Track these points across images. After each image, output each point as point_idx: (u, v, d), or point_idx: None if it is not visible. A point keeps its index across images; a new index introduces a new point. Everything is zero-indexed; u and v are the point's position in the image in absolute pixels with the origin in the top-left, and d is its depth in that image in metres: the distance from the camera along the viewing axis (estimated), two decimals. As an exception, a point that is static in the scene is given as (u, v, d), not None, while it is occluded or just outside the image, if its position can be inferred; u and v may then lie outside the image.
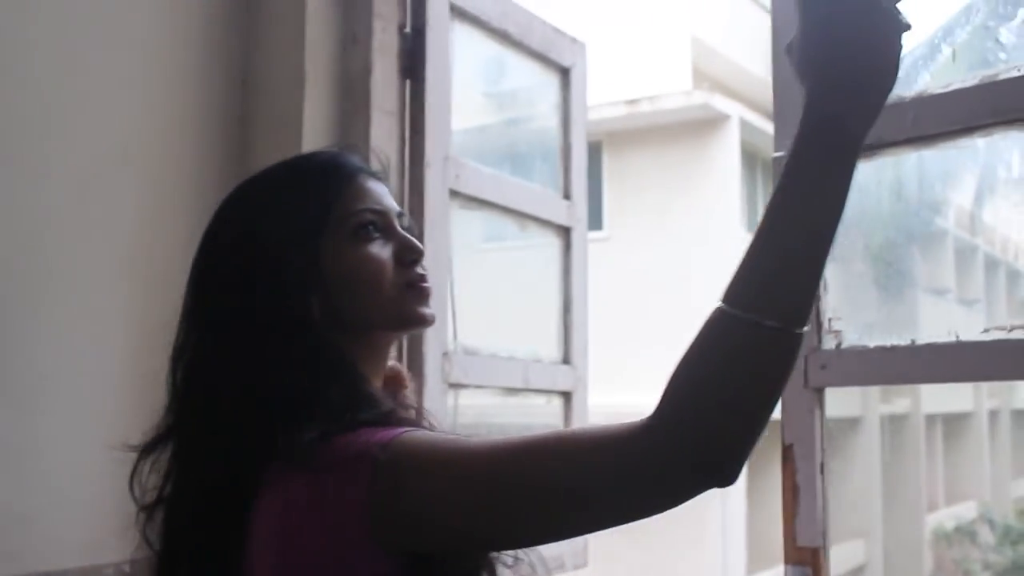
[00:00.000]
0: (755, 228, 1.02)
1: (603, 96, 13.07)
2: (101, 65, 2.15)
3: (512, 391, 2.67)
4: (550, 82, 2.88)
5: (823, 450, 2.04)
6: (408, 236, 1.32)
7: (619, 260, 13.39)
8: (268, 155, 2.27)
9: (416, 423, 1.23)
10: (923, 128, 1.90)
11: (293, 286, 1.23)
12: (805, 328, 0.99)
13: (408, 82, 2.41)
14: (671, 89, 13.57)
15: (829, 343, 2.01)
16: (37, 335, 1.99)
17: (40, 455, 1.95)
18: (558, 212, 2.83)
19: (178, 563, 1.25)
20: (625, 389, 12.54)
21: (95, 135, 2.11)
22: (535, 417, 2.77)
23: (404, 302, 1.29)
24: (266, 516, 1.16)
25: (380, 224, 1.30)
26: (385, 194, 1.35)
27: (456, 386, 2.44)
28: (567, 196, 2.87)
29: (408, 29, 2.41)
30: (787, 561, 2.01)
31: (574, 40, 2.93)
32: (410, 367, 2.33)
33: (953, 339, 1.84)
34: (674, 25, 14.06)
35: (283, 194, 1.30)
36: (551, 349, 2.82)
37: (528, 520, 1.09)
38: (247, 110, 2.39)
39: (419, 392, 2.32)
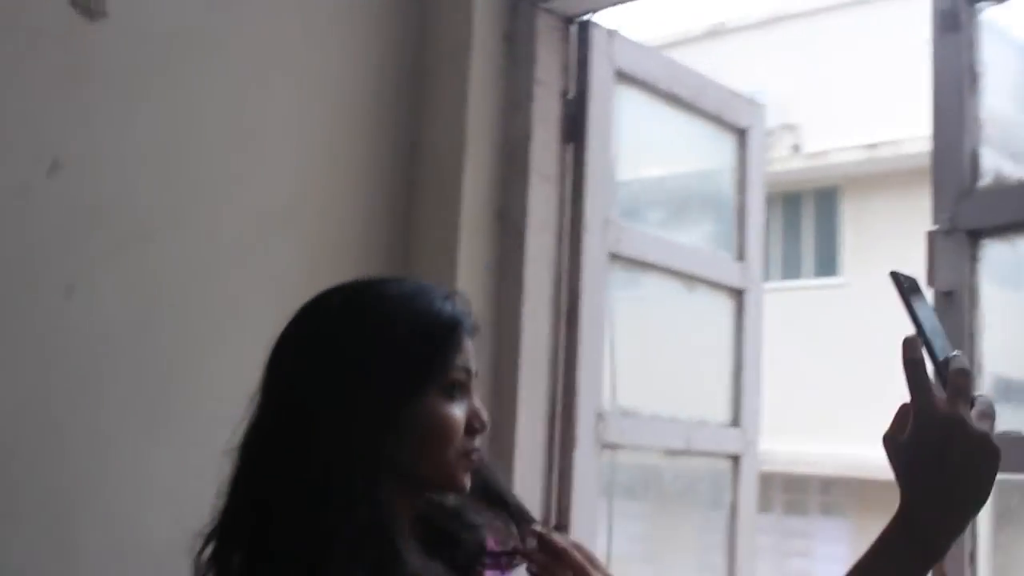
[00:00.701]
0: None
1: (842, 141, 12.69)
2: (272, 132, 2.31)
3: (674, 453, 2.65)
4: (726, 142, 2.85)
5: (974, 539, 1.92)
6: (478, 405, 1.33)
7: (857, 307, 12.90)
8: (429, 219, 2.42)
9: None
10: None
11: (388, 421, 1.24)
12: None
13: (570, 147, 2.43)
14: (915, 133, 13.04)
15: None
16: (210, 378, 2.16)
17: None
18: (731, 274, 2.79)
19: None
20: (856, 440, 12.07)
21: (260, 200, 2.26)
22: (702, 480, 2.76)
23: (457, 469, 1.30)
24: None
25: (465, 385, 1.32)
26: (473, 352, 1.35)
27: (611, 447, 2.43)
28: (741, 257, 2.82)
29: (571, 95, 2.44)
30: None
31: (751, 101, 2.90)
32: (562, 428, 2.37)
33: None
34: (918, 67, 13.52)
35: (412, 334, 1.29)
36: (720, 411, 2.77)
37: None
38: (414, 174, 2.48)
39: (568, 452, 2.36)
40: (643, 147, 2.69)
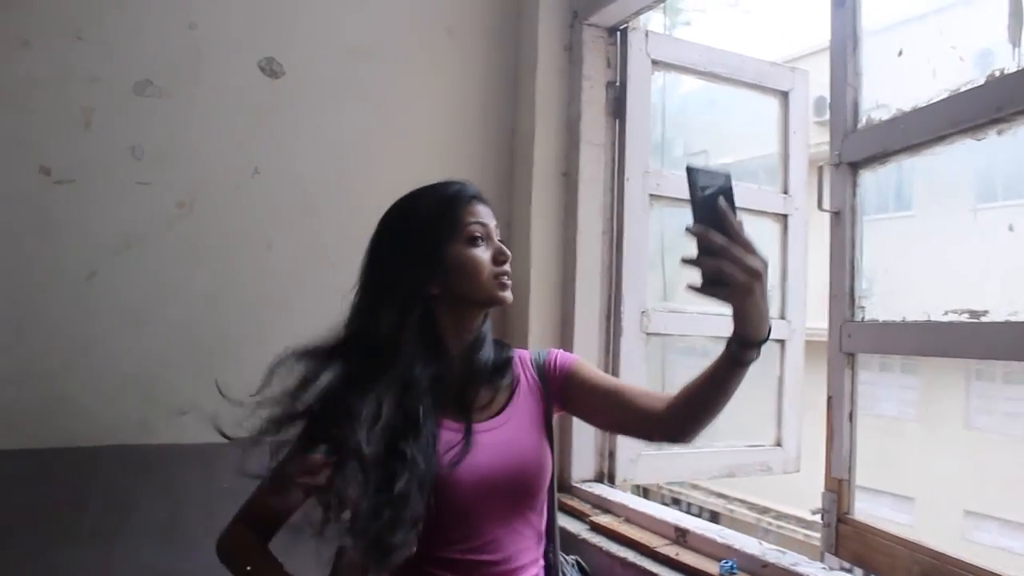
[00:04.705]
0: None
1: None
2: (407, 130, 2.85)
3: (718, 339, 2.90)
4: (769, 103, 2.98)
5: (853, 403, 2.14)
6: (501, 244, 1.66)
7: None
8: (519, 177, 2.90)
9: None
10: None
11: (423, 270, 1.60)
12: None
13: (616, 121, 2.80)
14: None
15: (858, 316, 2.13)
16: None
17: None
18: (776, 204, 2.96)
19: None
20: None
21: (398, 177, 2.63)
22: None
23: (492, 288, 1.63)
24: None
25: (484, 234, 1.64)
26: (488, 214, 1.67)
27: (654, 335, 2.75)
28: (785, 191, 2.98)
29: (617, 83, 2.79)
30: (825, 487, 2.16)
31: (792, 69, 2.99)
32: (613, 321, 2.78)
33: (925, 318, 1.93)
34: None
35: (428, 209, 1.65)
36: (772, 309, 2.99)
37: None
38: (512, 148, 2.96)
39: (617, 339, 2.76)
40: (690, 114, 3.02)
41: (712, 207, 1.32)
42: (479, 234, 1.64)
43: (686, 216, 2.85)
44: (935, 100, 1.93)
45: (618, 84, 2.82)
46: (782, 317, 2.99)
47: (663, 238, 2.86)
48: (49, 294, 2.42)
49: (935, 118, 1.91)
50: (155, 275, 2.53)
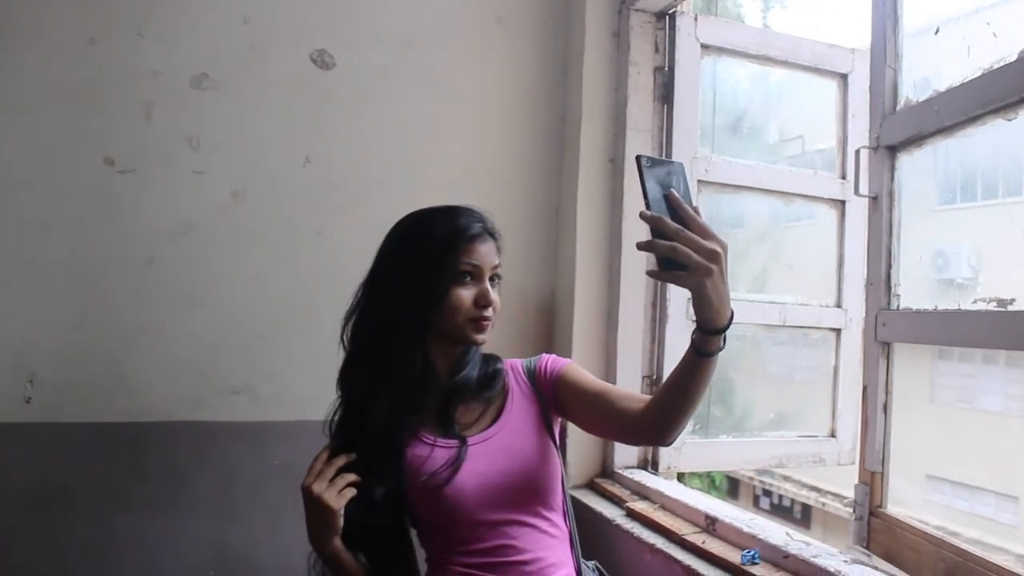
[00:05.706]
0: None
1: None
2: (473, 113, 2.86)
3: (771, 327, 2.79)
4: (827, 85, 2.85)
5: (888, 393, 2.06)
6: (487, 287, 1.67)
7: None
8: (566, 165, 2.87)
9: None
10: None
11: (414, 307, 1.65)
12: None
13: (664, 106, 2.72)
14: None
15: (893, 304, 2.04)
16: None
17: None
18: (833, 189, 2.83)
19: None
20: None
21: (447, 165, 2.80)
22: (809, 347, 2.94)
23: (466, 329, 1.66)
24: None
25: (475, 274, 1.66)
26: (489, 252, 1.69)
27: None
28: (843, 176, 2.84)
29: (666, 68, 2.72)
30: (858, 479, 2.10)
31: (853, 50, 2.84)
32: (659, 309, 2.73)
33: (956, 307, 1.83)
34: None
35: (429, 245, 1.66)
36: (825, 296, 2.85)
37: None
38: (562, 136, 2.92)
39: (662, 326, 2.72)
40: (741, 98, 2.89)
41: (665, 196, 1.31)
42: (468, 271, 1.67)
43: (737, 202, 2.78)
44: (968, 79, 1.82)
45: (666, 69, 2.75)
46: (838, 305, 2.87)
47: (712, 224, 2.73)
48: (111, 278, 2.53)
49: (966, 98, 1.82)
50: (210, 261, 2.61)
